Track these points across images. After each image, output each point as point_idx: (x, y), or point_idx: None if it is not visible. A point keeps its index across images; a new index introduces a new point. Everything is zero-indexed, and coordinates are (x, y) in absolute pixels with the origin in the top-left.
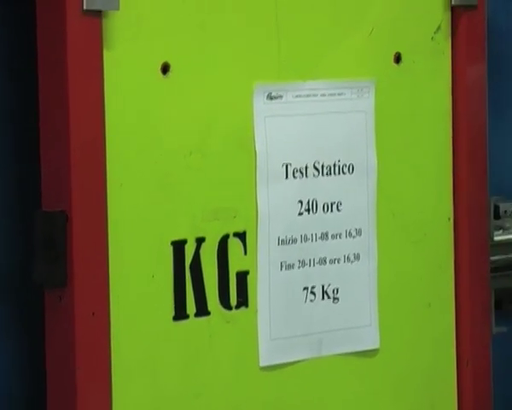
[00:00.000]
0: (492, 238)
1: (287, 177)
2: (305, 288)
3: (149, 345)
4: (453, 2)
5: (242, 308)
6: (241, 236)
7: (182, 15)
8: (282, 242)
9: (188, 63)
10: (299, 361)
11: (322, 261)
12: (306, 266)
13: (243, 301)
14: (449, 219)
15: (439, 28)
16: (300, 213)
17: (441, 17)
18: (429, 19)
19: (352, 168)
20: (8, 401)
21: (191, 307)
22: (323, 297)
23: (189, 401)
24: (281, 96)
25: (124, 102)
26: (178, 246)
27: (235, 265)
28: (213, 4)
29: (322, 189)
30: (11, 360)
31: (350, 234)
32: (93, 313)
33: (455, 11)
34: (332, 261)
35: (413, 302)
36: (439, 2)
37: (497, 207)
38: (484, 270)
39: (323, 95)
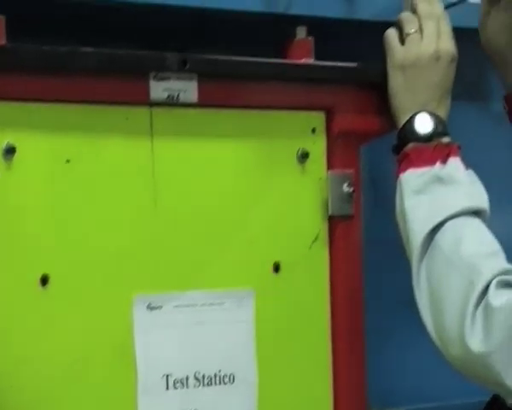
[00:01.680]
0: None
1: (167, 388)
2: None
3: None
4: (330, 213)
5: None
6: None
7: (61, 230)
8: None
9: (69, 275)
10: None
11: None
12: None
13: None
14: None
15: (316, 238)
16: None
17: (319, 227)
18: (307, 229)
19: (232, 378)
20: None
21: None
22: None
23: None
24: (160, 307)
25: (3, 317)
26: None
27: None
28: (93, 215)
29: (204, 399)
30: None
31: None
32: None
33: (332, 220)
34: None
35: None
36: (317, 213)
37: None
38: None
39: (203, 305)
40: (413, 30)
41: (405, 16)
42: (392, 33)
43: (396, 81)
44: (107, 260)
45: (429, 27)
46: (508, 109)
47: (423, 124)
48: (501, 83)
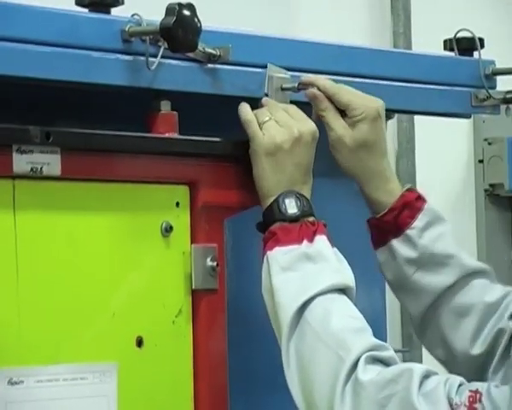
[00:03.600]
0: None
1: None
2: None
3: None
4: (194, 287)
5: None
6: None
7: None
8: None
9: None
10: None
11: None
12: None
13: None
14: None
15: (180, 312)
16: None
17: (182, 301)
18: (171, 302)
19: None
20: None
21: None
22: None
23: None
24: (22, 382)
25: None
26: None
27: None
28: None
29: None
30: None
31: None
32: None
33: (196, 294)
34: None
35: None
36: (181, 286)
37: None
38: None
39: (65, 379)
40: (267, 118)
41: (255, 111)
42: (251, 119)
43: (261, 166)
44: None
45: (282, 114)
46: (371, 234)
47: (290, 204)
48: (366, 202)
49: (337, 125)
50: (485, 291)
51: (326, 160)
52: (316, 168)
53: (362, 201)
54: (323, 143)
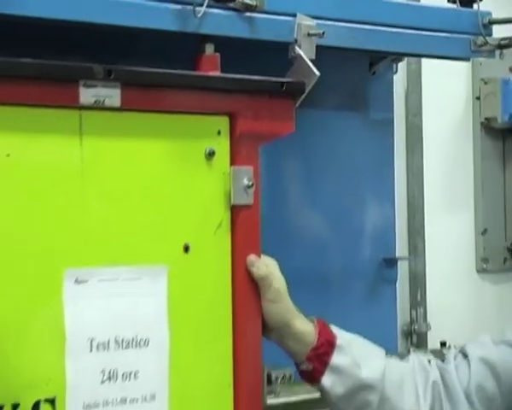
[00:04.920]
0: (265, 402)
1: (91, 350)
2: None
3: None
4: (232, 203)
5: None
6: (52, 401)
7: (1, 213)
8: (86, 406)
9: (8, 253)
10: None
11: None
12: None
13: None
14: (229, 385)
15: (220, 224)
16: (103, 382)
17: (222, 215)
18: (213, 217)
19: (147, 342)
20: None
21: None
22: None
23: None
24: (86, 281)
25: None
26: None
27: None
28: (30, 200)
29: (122, 360)
30: None
31: (145, 399)
32: None
33: (234, 209)
34: None
35: None
36: (221, 203)
37: (269, 375)
38: None
39: (123, 279)
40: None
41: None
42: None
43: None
44: (42, 239)
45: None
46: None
47: None
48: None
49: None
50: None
51: (338, 94)
52: (329, 102)
53: (372, 130)
54: (338, 81)
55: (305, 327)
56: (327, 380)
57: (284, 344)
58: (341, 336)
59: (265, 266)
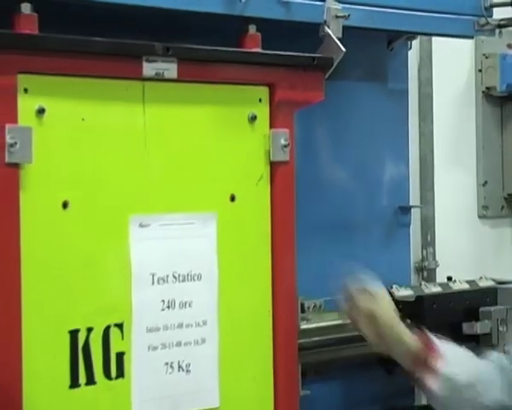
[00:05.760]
0: (299, 327)
1: (153, 283)
2: (166, 363)
3: (51, 408)
4: (271, 159)
5: (120, 379)
6: (120, 326)
7: (77, 168)
8: (149, 330)
9: (83, 201)
10: None
11: (179, 344)
12: (167, 348)
13: (121, 373)
14: (269, 312)
15: (261, 177)
16: (163, 309)
17: (263, 169)
18: (255, 171)
19: (200, 277)
20: None
21: (83, 378)
22: (179, 370)
23: None
24: (149, 225)
25: (35, 229)
26: (73, 334)
27: (115, 347)
28: (101, 156)
29: (179, 291)
30: None
31: (198, 324)
32: (9, 384)
33: (273, 164)
34: (185, 344)
35: (244, 372)
36: (262, 160)
37: (302, 304)
38: (294, 349)
39: (180, 224)
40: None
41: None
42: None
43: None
44: (112, 190)
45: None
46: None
47: None
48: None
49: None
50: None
51: (361, 68)
52: (353, 75)
53: (389, 98)
54: (361, 56)
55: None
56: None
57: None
58: (442, 345)
59: (369, 300)
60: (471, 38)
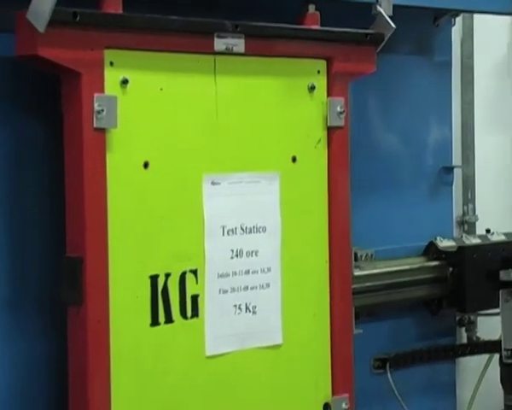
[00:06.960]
0: (353, 273)
1: (223, 234)
2: (235, 305)
3: (135, 342)
4: (328, 124)
5: (195, 318)
6: (194, 272)
7: (156, 133)
8: (220, 276)
9: (162, 162)
10: (231, 352)
11: (246, 288)
12: (235, 292)
13: (195, 313)
14: (326, 261)
15: (319, 141)
16: (232, 258)
17: (321, 134)
18: (314, 135)
19: (265, 229)
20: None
21: (162, 317)
22: (246, 311)
23: (160, 380)
24: (220, 183)
25: (119, 186)
26: (154, 278)
27: (190, 290)
28: (178, 122)
29: (246, 242)
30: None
31: (263, 271)
32: (99, 321)
33: (330, 129)
34: (252, 288)
35: (304, 313)
36: (320, 125)
37: (356, 253)
38: (348, 293)
39: (247, 182)
40: None
41: None
42: None
43: None
44: (187, 152)
45: None
46: None
47: None
48: None
49: None
50: None
51: (409, 42)
52: (402, 49)
53: (434, 70)
54: (409, 32)
55: None
56: None
57: None
58: None
59: None
60: (509, 14)
